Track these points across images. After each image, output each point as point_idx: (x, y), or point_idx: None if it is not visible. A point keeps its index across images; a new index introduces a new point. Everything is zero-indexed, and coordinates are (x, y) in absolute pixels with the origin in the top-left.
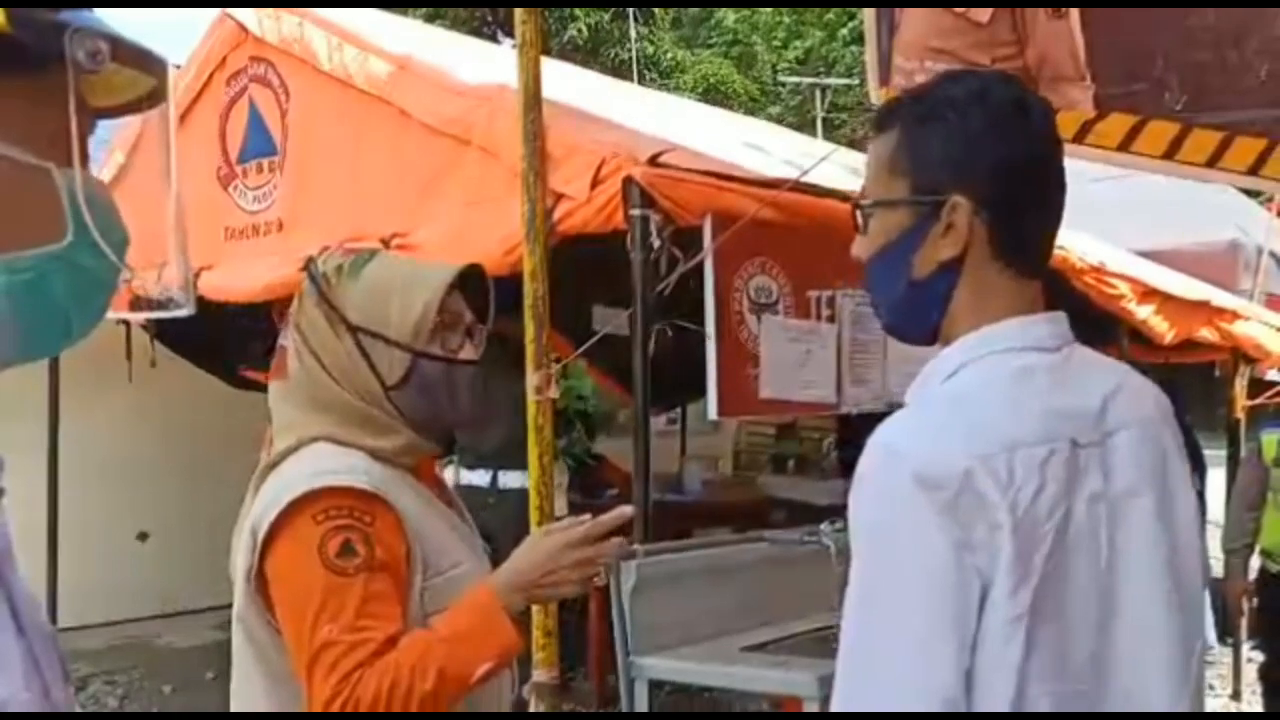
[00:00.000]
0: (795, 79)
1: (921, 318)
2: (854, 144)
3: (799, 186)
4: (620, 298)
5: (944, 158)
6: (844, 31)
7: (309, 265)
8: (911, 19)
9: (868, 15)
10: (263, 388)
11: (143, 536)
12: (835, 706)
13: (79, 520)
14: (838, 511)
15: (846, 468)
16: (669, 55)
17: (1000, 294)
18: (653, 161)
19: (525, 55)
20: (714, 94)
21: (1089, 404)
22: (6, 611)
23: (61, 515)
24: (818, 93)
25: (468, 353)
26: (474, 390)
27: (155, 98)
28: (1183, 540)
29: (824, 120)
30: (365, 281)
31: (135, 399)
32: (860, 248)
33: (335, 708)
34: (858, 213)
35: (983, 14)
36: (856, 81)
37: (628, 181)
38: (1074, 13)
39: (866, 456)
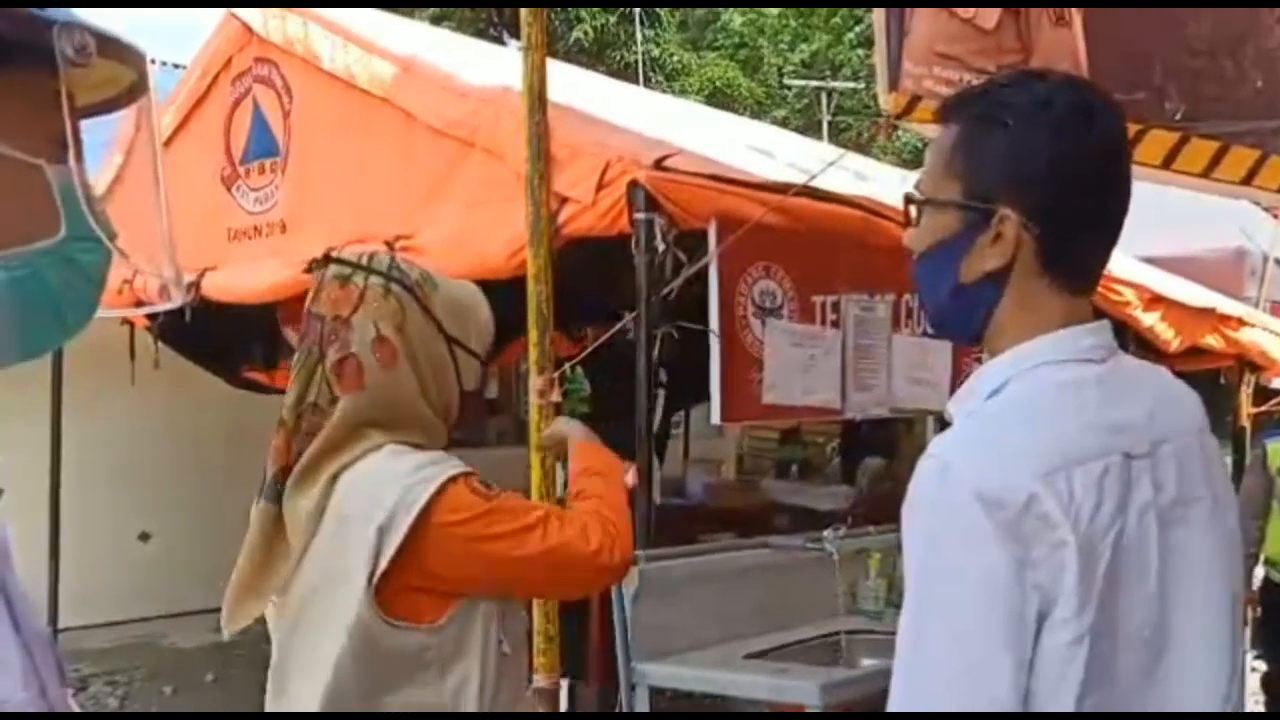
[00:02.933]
0: (801, 82)
1: (965, 322)
2: (860, 147)
3: (805, 191)
4: (624, 301)
5: (998, 167)
6: (850, 35)
7: (392, 273)
8: (920, 24)
9: (878, 20)
10: (264, 389)
11: (145, 537)
12: None
13: (81, 520)
14: (841, 518)
15: (849, 473)
16: (674, 58)
17: (1047, 307)
18: (658, 165)
19: (531, 57)
20: (720, 97)
21: (1138, 415)
22: (4, 612)
23: (64, 515)
24: (824, 96)
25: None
26: (484, 390)
27: (135, 92)
28: (1232, 550)
29: (830, 124)
30: (446, 294)
31: (138, 400)
32: (910, 240)
33: (598, 539)
34: (908, 205)
35: (989, 20)
36: (863, 85)
37: (633, 185)
38: (1077, 21)
39: (922, 472)
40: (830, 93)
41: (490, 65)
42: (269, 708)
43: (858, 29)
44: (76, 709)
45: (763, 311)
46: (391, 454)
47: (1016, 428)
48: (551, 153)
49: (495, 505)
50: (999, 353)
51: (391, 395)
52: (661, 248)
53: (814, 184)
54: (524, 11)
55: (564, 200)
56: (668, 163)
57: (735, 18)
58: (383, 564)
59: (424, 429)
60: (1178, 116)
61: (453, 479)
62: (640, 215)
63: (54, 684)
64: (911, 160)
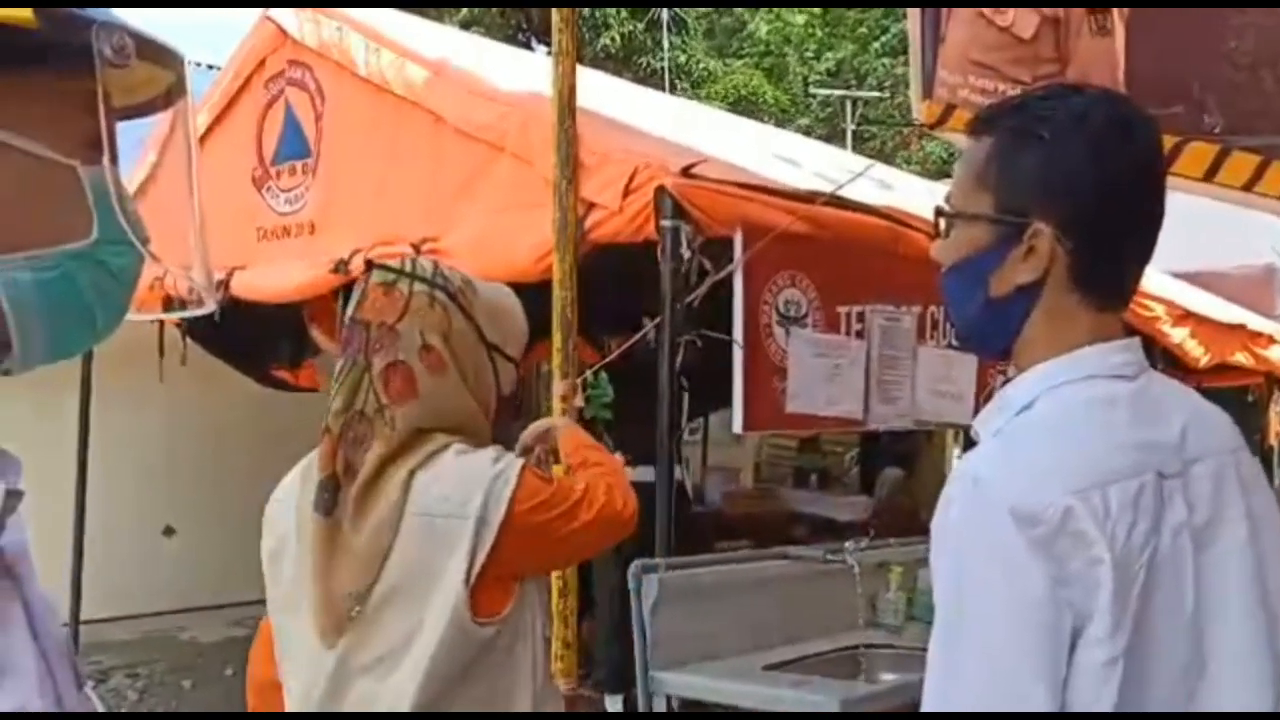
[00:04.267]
0: (827, 91)
1: (994, 336)
2: (884, 157)
3: (831, 200)
4: (645, 308)
5: (1032, 180)
6: (876, 44)
7: (437, 279)
8: (956, 32)
9: (912, 28)
10: (290, 387)
11: (169, 532)
12: None
13: (107, 514)
14: (860, 529)
15: (868, 483)
16: (700, 65)
17: (1078, 322)
18: (685, 172)
19: (560, 63)
20: (744, 104)
21: (1170, 434)
22: (22, 617)
23: (90, 508)
24: (848, 105)
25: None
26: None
27: (172, 95)
28: (1271, 571)
29: (854, 133)
30: (485, 300)
31: (166, 396)
32: (939, 253)
33: (622, 496)
34: (939, 218)
35: (1027, 29)
36: (888, 95)
37: (660, 192)
38: (1119, 30)
39: (954, 489)
40: (855, 102)
41: (520, 70)
42: (323, 709)
43: (884, 38)
44: (98, 706)
45: (787, 320)
46: (460, 453)
47: (1048, 444)
48: (579, 158)
49: (555, 488)
50: (1027, 368)
51: (442, 401)
52: (687, 255)
53: (840, 193)
54: (555, 17)
55: (590, 206)
56: (695, 170)
57: (762, 26)
58: (480, 559)
59: (475, 432)
60: (1216, 130)
61: (522, 468)
62: (666, 222)
63: (70, 693)
64: (934, 171)
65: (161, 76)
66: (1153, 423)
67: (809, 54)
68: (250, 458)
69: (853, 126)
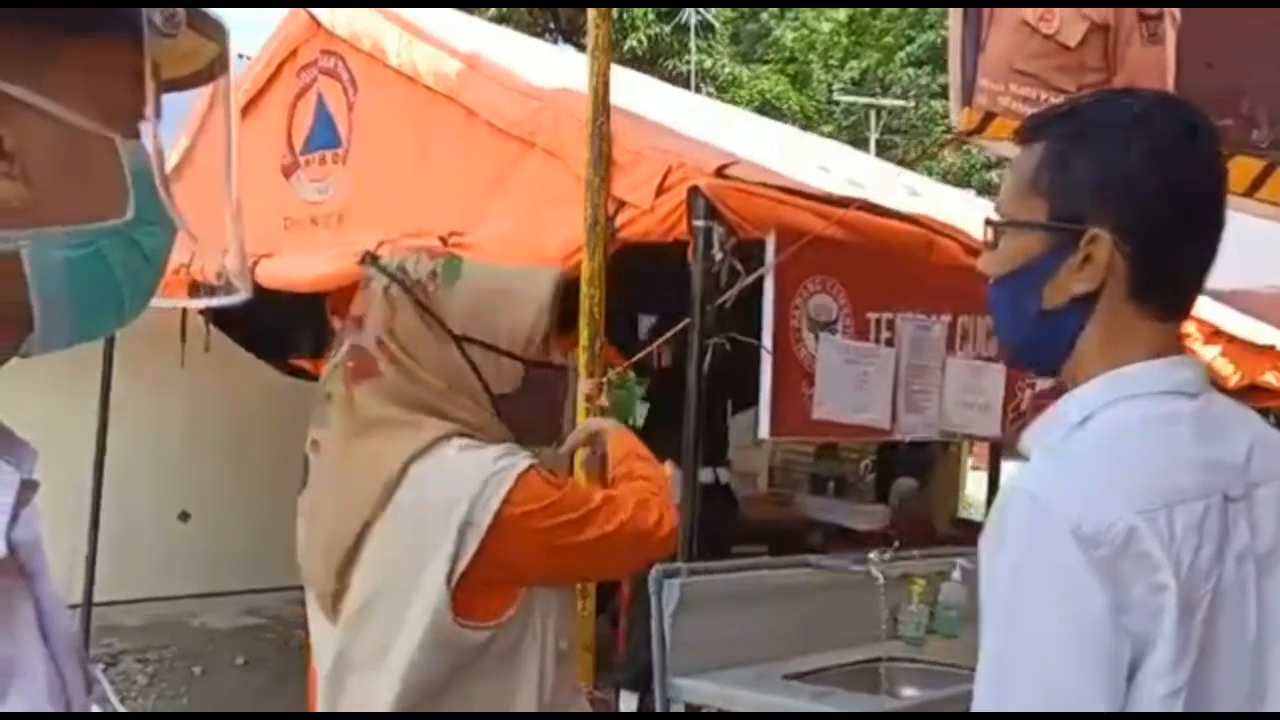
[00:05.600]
0: (851, 99)
1: (1047, 350)
2: (906, 166)
3: (864, 206)
4: (670, 308)
5: (1091, 184)
6: (901, 54)
7: (394, 273)
8: (998, 39)
9: (953, 34)
10: (312, 377)
11: (184, 516)
12: None
13: (124, 496)
14: (876, 538)
15: (883, 491)
16: (726, 70)
17: (1135, 335)
18: (719, 173)
19: (596, 60)
20: (769, 110)
21: (1235, 455)
22: (33, 618)
23: (106, 490)
24: (872, 114)
25: (558, 359)
26: (565, 397)
27: (215, 70)
28: None
29: (877, 142)
30: (466, 289)
31: (187, 381)
32: (988, 264)
33: (657, 514)
34: (988, 228)
35: (1073, 36)
36: (912, 104)
37: (693, 192)
38: (1170, 40)
39: (1010, 506)
40: (879, 111)
41: (554, 65)
42: (325, 704)
43: (910, 48)
44: (108, 686)
45: (817, 326)
46: (464, 448)
47: (1110, 461)
48: (612, 156)
49: (565, 493)
50: (1080, 383)
51: (401, 388)
52: (719, 256)
53: (872, 199)
54: (591, 14)
55: (622, 204)
56: (728, 171)
57: (787, 33)
58: (464, 563)
59: (480, 427)
60: (1264, 145)
61: (526, 470)
62: (699, 222)
63: (79, 695)
64: (954, 182)
65: (205, 50)
66: (1217, 443)
67: (834, 62)
68: (269, 446)
69: (876, 135)
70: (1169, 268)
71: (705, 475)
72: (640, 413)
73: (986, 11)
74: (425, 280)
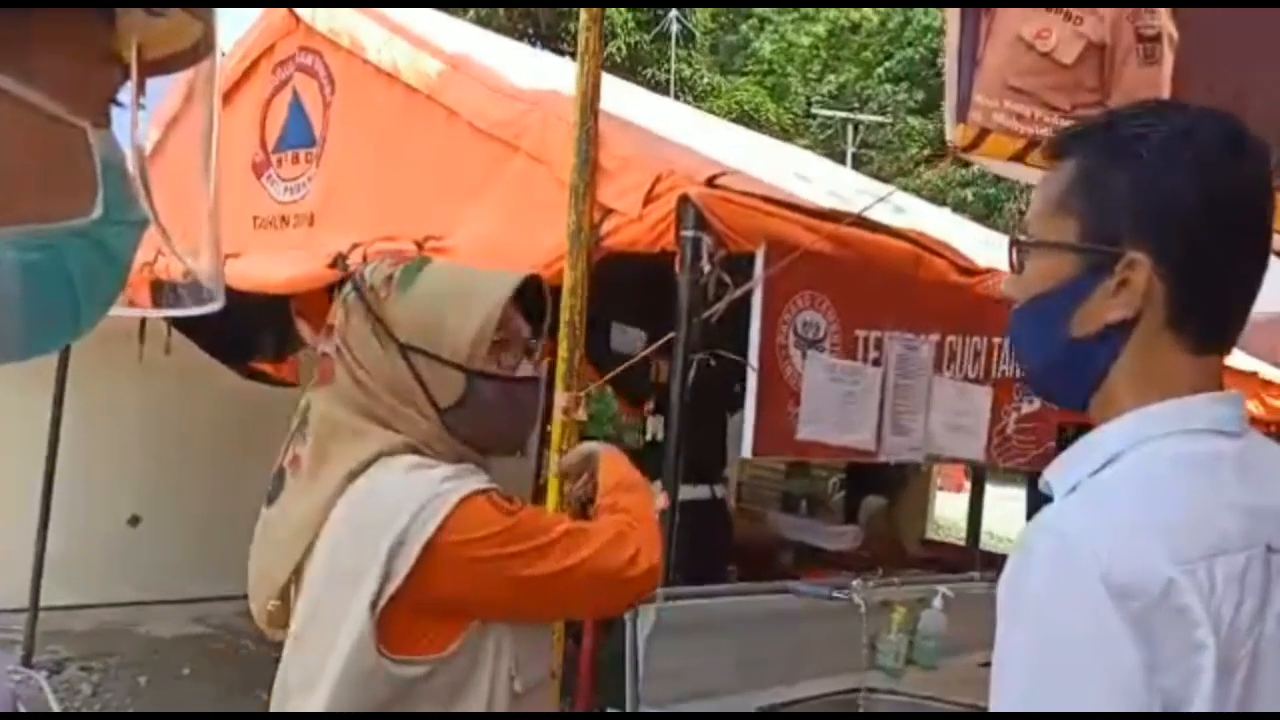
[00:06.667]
0: (828, 113)
1: (1075, 382)
2: (884, 181)
3: (856, 220)
4: (648, 320)
5: (1128, 203)
6: (880, 70)
7: (355, 278)
8: (994, 54)
9: (949, 48)
10: (273, 380)
11: (134, 521)
12: None
13: (73, 497)
14: (848, 559)
15: (851, 510)
16: (704, 79)
17: (1172, 367)
18: (710, 183)
19: (585, 63)
20: (746, 120)
21: (1278, 501)
22: None
23: (57, 490)
24: (849, 128)
25: (525, 370)
26: (532, 410)
27: (199, 51)
28: None
29: (854, 156)
30: (416, 295)
31: (144, 382)
32: (1013, 288)
33: (632, 551)
34: (1014, 249)
35: (1069, 54)
36: (889, 120)
37: (683, 201)
38: (1167, 62)
39: (1032, 547)
40: (856, 125)
41: (538, 67)
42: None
43: (888, 64)
44: (50, 693)
45: (804, 343)
46: (413, 466)
47: (1146, 504)
48: (599, 162)
49: (516, 521)
50: (1110, 418)
51: (357, 397)
52: (707, 269)
53: (858, 214)
54: (583, 15)
55: (608, 212)
56: (719, 181)
57: (766, 44)
58: (390, 588)
59: (427, 442)
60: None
61: (472, 494)
62: (688, 233)
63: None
64: (929, 197)
65: (189, 29)
66: (1260, 488)
67: (812, 75)
68: (226, 450)
69: (852, 149)
70: (1212, 294)
71: (701, 491)
72: (653, 428)
73: (984, 26)
74: (379, 286)
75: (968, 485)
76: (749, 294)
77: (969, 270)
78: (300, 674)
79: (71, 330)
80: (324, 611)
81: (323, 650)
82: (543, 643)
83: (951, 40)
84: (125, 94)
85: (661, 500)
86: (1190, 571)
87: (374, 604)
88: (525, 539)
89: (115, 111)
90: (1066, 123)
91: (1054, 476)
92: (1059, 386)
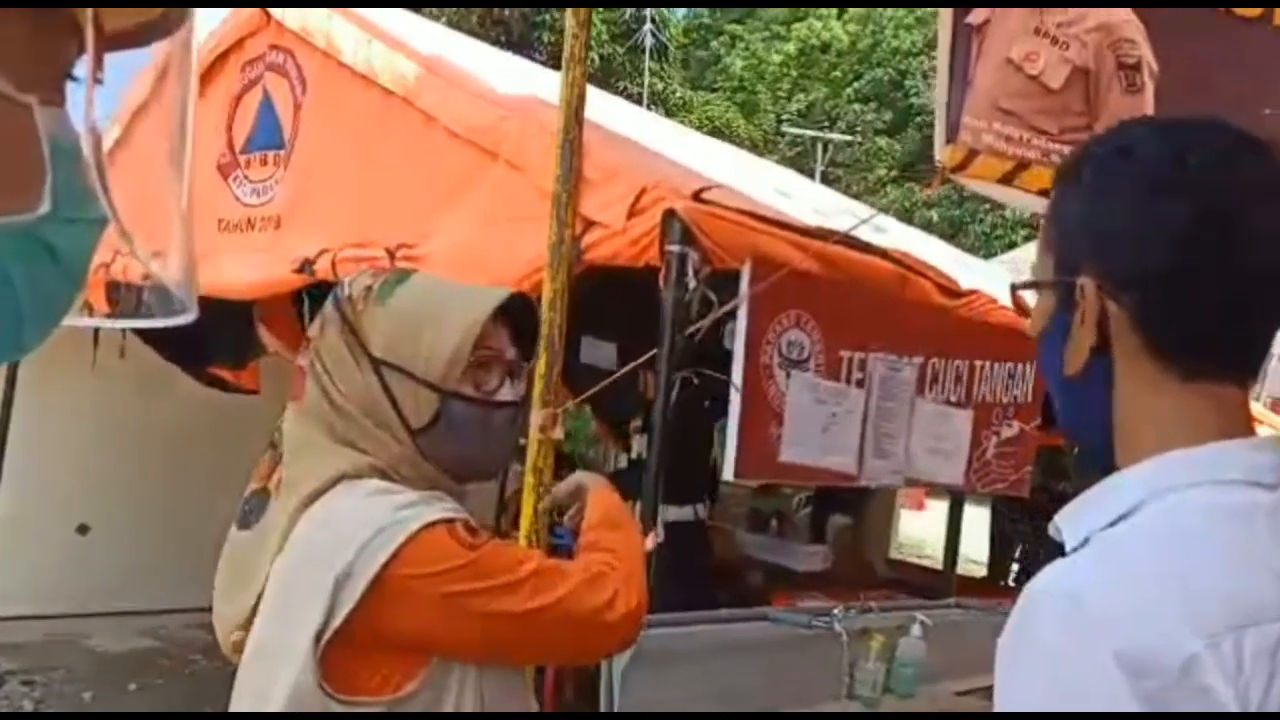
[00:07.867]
0: (798, 131)
1: (1085, 424)
2: (856, 198)
3: (843, 239)
4: (620, 333)
5: (1078, 229)
6: (849, 90)
7: (336, 289)
8: (984, 75)
9: (941, 68)
10: (230, 388)
11: (83, 530)
12: None
13: (21, 505)
14: (818, 580)
15: (818, 528)
16: (677, 94)
17: (1171, 400)
18: (696, 196)
19: (571, 69)
20: (717, 136)
21: None
22: None
23: (3, 497)
24: (819, 146)
25: (505, 393)
26: (510, 435)
27: (170, 22)
28: None
29: (823, 174)
30: (393, 308)
31: (96, 387)
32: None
33: (610, 593)
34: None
35: (1056, 79)
36: (858, 139)
37: (669, 215)
38: (1148, 91)
39: (1039, 607)
40: (825, 144)
41: (516, 72)
42: None
43: (857, 84)
44: None
45: (789, 363)
46: (375, 491)
47: (1169, 564)
48: (582, 172)
49: (479, 556)
50: (1130, 459)
51: (326, 414)
52: (692, 285)
53: (842, 232)
54: (570, 20)
55: (590, 224)
56: (705, 195)
57: (737, 61)
58: (335, 622)
59: (394, 466)
60: None
61: (431, 524)
62: (673, 247)
63: None
64: (897, 217)
65: None
66: None
67: (781, 93)
68: (179, 459)
69: (821, 168)
70: (1188, 315)
71: (685, 513)
72: (638, 446)
73: (975, 47)
74: (357, 297)
75: (929, 504)
76: (732, 311)
77: (953, 292)
78: (244, 703)
79: (13, 347)
80: (270, 643)
81: (264, 685)
82: (514, 680)
83: (943, 59)
84: (82, 68)
85: (650, 541)
86: (1215, 645)
87: (318, 638)
88: (487, 576)
89: (70, 89)
90: (1054, 146)
91: (1065, 522)
92: (1073, 430)
